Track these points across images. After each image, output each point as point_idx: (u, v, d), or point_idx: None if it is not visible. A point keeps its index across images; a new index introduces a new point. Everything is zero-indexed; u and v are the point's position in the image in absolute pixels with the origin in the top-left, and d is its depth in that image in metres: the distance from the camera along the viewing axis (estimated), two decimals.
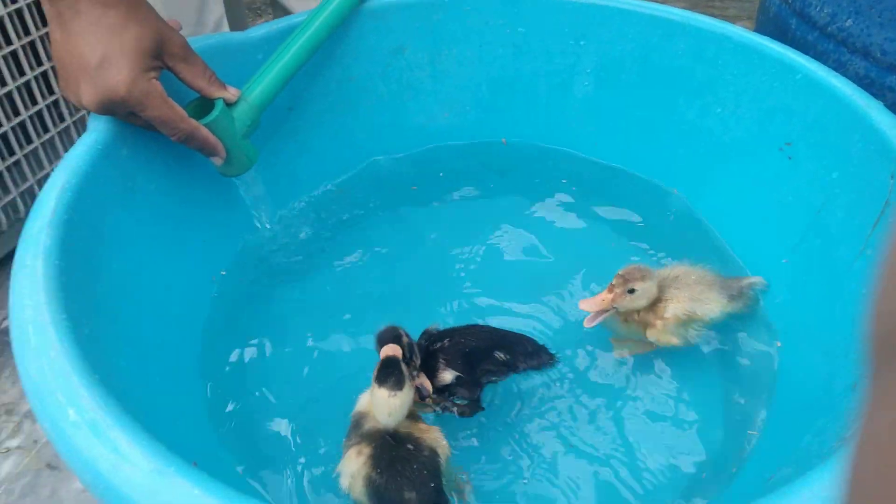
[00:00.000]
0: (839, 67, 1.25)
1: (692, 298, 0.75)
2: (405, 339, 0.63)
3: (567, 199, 1.01)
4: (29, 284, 0.51)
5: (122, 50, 0.64)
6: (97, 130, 0.68)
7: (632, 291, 0.73)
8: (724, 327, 0.80)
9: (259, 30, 0.89)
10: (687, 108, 0.96)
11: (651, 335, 0.75)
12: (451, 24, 1.00)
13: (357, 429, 0.62)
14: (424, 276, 0.90)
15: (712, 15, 1.90)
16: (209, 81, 0.74)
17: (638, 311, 0.75)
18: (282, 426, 0.72)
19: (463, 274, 0.90)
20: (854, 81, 1.22)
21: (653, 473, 0.67)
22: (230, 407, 0.73)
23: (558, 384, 0.76)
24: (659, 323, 0.74)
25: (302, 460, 0.69)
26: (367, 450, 0.59)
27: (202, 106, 0.76)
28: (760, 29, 1.55)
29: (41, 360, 0.45)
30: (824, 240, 0.77)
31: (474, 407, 0.71)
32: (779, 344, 0.77)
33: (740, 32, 0.87)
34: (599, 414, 0.73)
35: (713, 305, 0.75)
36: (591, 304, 0.73)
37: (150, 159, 0.74)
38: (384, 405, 0.58)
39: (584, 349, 0.79)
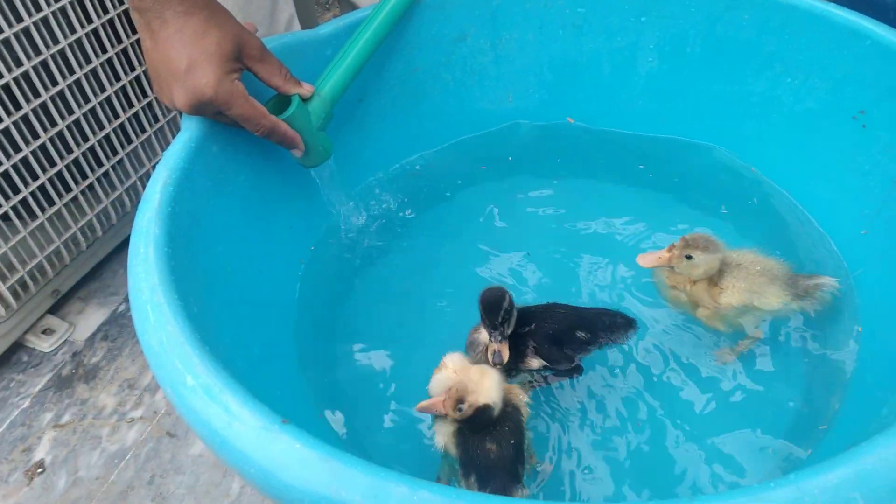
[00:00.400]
0: None
1: (751, 290, 0.73)
2: (507, 301, 0.67)
3: (636, 176, 1.02)
4: (144, 270, 0.57)
5: (205, 55, 0.69)
6: (190, 129, 0.75)
7: (689, 258, 0.73)
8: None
9: (327, 27, 0.94)
10: (756, 80, 0.94)
11: (700, 314, 0.75)
12: (510, 8, 1.02)
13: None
14: (496, 253, 0.93)
15: None
16: (285, 79, 0.79)
17: (692, 283, 0.75)
18: (370, 388, 0.78)
19: (536, 251, 0.93)
20: None
21: (734, 448, 0.69)
22: (322, 371, 0.80)
23: (640, 362, 0.78)
24: (711, 306, 0.74)
25: (389, 417, 0.74)
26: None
27: (280, 102, 0.81)
28: None
29: (160, 334, 0.51)
30: None
31: (573, 372, 0.74)
32: (859, 329, 0.76)
33: (806, 1, 0.85)
34: (672, 392, 0.75)
35: (772, 300, 0.73)
36: (648, 259, 0.75)
37: (237, 154, 0.80)
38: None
39: (666, 335, 0.80)
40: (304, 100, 0.81)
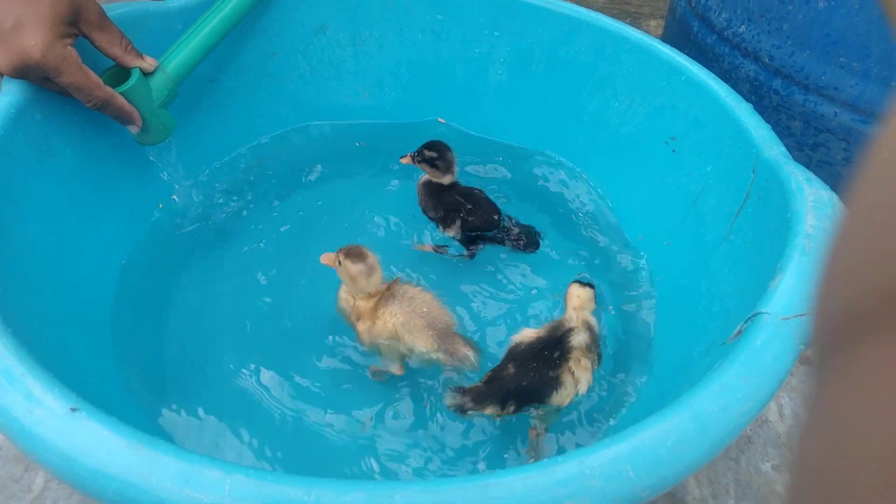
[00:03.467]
0: (733, 69, 1.37)
1: (405, 325, 0.72)
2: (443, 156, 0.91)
3: (469, 171, 1.07)
4: None
5: (36, 15, 0.64)
6: (10, 94, 0.69)
7: (339, 263, 0.74)
8: (616, 295, 0.89)
9: (178, 0, 0.90)
10: (589, 100, 1.03)
11: (359, 326, 0.75)
12: (371, 5, 1.04)
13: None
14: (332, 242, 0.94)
15: (628, 12, 2.01)
16: (125, 50, 0.75)
17: (364, 298, 0.75)
18: (186, 375, 0.76)
19: (370, 239, 0.94)
20: (745, 83, 1.35)
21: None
22: (136, 359, 0.76)
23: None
24: (367, 323, 0.74)
25: (204, 404, 0.73)
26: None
27: (118, 74, 0.77)
28: (668, 28, 1.67)
29: None
30: (698, 225, 0.86)
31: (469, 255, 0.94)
32: (654, 320, 0.87)
33: (636, 34, 0.95)
34: None
35: (419, 343, 0.73)
36: (324, 258, 0.76)
37: (64, 125, 0.75)
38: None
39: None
40: (146, 74, 0.78)
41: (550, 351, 0.71)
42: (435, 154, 0.91)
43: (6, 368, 0.44)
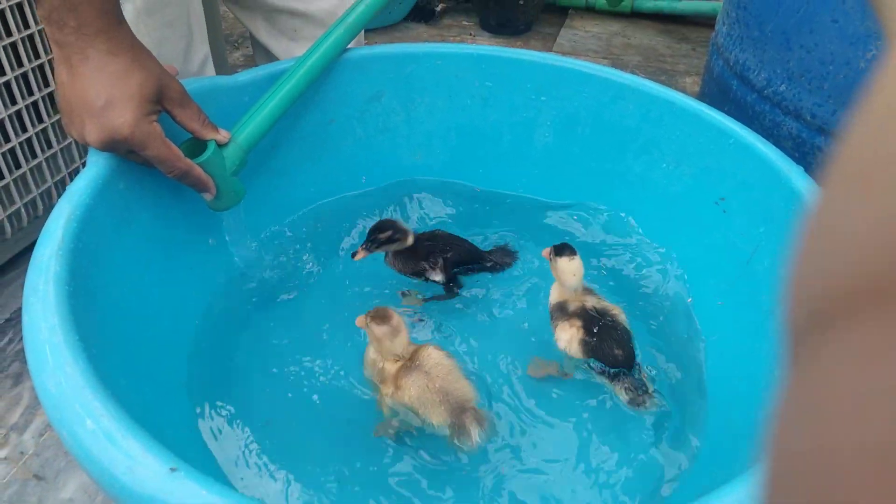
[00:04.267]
0: (774, 127, 1.39)
1: (420, 399, 0.74)
2: (386, 232, 0.92)
3: (530, 231, 1.10)
4: (42, 308, 0.56)
5: (126, 95, 0.70)
6: (97, 165, 0.74)
7: (367, 325, 0.76)
8: (665, 352, 0.89)
9: (246, 74, 0.97)
10: (635, 162, 1.06)
11: (383, 390, 0.77)
12: (423, 74, 1.09)
13: (562, 311, 0.84)
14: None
15: (663, 70, 2.06)
16: (203, 124, 0.80)
17: (391, 362, 0.77)
18: (262, 438, 0.78)
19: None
20: (787, 140, 1.37)
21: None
22: (215, 419, 0.78)
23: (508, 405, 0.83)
24: (390, 388, 0.76)
25: (280, 467, 0.75)
26: (577, 322, 0.82)
27: (194, 144, 0.82)
28: (705, 87, 1.70)
29: (58, 376, 0.50)
30: (752, 286, 0.87)
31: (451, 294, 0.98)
32: (706, 386, 0.86)
33: (683, 99, 0.98)
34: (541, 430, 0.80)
35: (434, 418, 0.74)
36: (359, 321, 0.78)
37: (144, 193, 0.80)
38: (567, 270, 0.84)
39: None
40: (220, 145, 0.83)
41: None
42: (389, 232, 0.92)
43: (107, 429, 0.47)
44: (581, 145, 1.10)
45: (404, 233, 0.93)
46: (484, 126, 1.13)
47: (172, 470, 0.44)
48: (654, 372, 0.87)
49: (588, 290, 0.88)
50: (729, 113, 0.98)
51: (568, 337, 0.82)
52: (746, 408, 0.74)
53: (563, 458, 0.77)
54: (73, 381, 0.50)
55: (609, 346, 0.81)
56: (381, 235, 0.91)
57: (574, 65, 1.06)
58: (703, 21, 2.35)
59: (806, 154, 1.33)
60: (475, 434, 0.72)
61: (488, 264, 1.00)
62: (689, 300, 0.97)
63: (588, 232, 1.11)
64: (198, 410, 0.78)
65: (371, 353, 0.79)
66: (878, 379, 0.12)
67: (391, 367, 0.77)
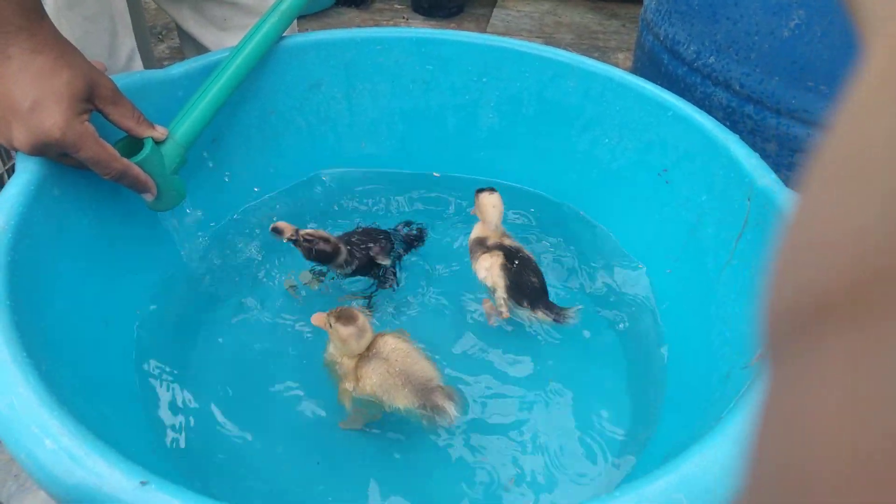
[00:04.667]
0: (706, 98, 1.44)
1: (382, 386, 0.73)
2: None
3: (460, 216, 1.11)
4: None
5: (54, 94, 0.66)
6: (28, 171, 0.70)
7: (330, 326, 0.74)
8: (624, 324, 0.92)
9: (179, 67, 0.93)
10: (579, 139, 1.08)
11: (344, 386, 0.76)
12: (363, 61, 1.07)
13: (482, 245, 0.89)
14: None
15: (596, 46, 2.10)
16: (137, 122, 0.77)
17: (349, 357, 0.76)
18: (225, 441, 0.76)
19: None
20: (719, 111, 1.41)
21: (569, 460, 0.77)
22: (170, 428, 0.76)
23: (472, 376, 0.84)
24: (352, 383, 0.75)
25: (252, 473, 0.73)
26: (497, 252, 0.87)
27: (130, 144, 0.78)
28: (637, 62, 1.74)
29: (9, 397, 0.47)
30: (699, 252, 0.90)
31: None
32: (664, 351, 0.89)
33: (621, 74, 1.00)
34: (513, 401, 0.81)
35: (399, 402, 0.73)
36: (315, 319, 0.77)
37: (80, 197, 0.76)
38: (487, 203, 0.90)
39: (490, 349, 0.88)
40: (158, 143, 0.79)
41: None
42: (326, 248, 0.88)
43: (68, 448, 0.45)
44: (526, 125, 1.10)
45: (334, 245, 0.89)
46: (428, 110, 1.13)
47: (143, 483, 0.43)
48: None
49: (505, 234, 0.93)
50: (662, 86, 1.01)
51: (488, 265, 0.87)
52: (702, 369, 0.77)
53: (528, 425, 0.79)
54: (26, 401, 0.47)
55: (526, 274, 0.87)
56: (319, 249, 0.87)
57: (514, 45, 1.06)
58: None
59: (737, 123, 1.39)
60: (451, 409, 0.71)
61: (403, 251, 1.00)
62: (642, 267, 0.99)
63: (538, 209, 1.12)
64: (154, 419, 0.75)
65: (330, 350, 0.78)
66: (858, 387, 0.12)
67: (349, 363, 0.76)
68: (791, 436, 0.14)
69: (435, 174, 1.18)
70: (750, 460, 0.15)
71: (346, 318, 0.74)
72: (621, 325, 0.93)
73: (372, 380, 0.74)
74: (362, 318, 0.75)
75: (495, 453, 0.76)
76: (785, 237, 0.16)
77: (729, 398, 0.59)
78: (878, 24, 0.21)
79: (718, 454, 0.48)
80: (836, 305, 0.13)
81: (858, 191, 0.14)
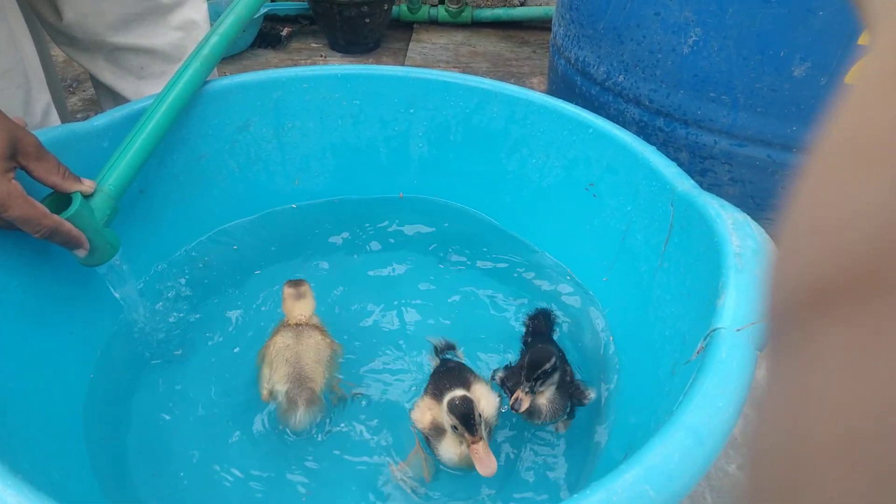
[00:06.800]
0: (619, 114, 1.52)
1: (277, 352, 0.82)
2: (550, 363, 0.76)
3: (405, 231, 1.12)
4: None
5: None
6: None
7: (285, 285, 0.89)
8: (573, 335, 0.95)
9: (102, 118, 0.91)
10: (508, 160, 1.12)
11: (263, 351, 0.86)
12: (291, 99, 1.08)
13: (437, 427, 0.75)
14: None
15: (510, 72, 2.17)
16: (64, 177, 0.75)
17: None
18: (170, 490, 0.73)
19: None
20: (632, 125, 1.49)
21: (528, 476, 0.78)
22: (123, 490, 0.73)
23: None
24: (267, 342, 0.86)
25: None
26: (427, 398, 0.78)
27: (58, 199, 0.76)
28: (552, 85, 1.82)
29: None
30: (631, 259, 0.95)
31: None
32: (615, 351, 0.93)
33: (541, 97, 1.05)
34: None
35: (276, 376, 0.80)
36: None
37: (7, 258, 0.73)
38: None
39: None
40: (86, 196, 0.77)
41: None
42: (553, 360, 0.76)
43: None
44: (455, 151, 1.14)
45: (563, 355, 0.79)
46: (358, 143, 1.14)
47: None
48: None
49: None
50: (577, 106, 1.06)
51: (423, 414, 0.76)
52: (649, 367, 0.81)
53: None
54: None
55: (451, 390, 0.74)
56: (548, 366, 0.75)
57: (439, 76, 1.09)
58: (539, 25, 2.52)
59: (649, 135, 1.47)
60: (301, 412, 0.76)
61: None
62: (576, 278, 1.04)
63: (475, 228, 1.15)
64: (105, 483, 0.72)
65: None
66: (863, 367, 0.12)
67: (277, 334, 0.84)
68: (792, 418, 0.14)
69: (401, 195, 1.20)
70: (752, 442, 0.16)
71: (292, 282, 0.88)
72: (566, 330, 0.96)
73: (277, 343, 0.82)
74: (305, 287, 0.87)
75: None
76: (788, 221, 0.16)
77: (677, 392, 0.62)
78: (882, 10, 0.22)
79: (677, 445, 0.51)
80: (839, 289, 0.13)
81: (864, 174, 0.14)
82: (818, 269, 0.14)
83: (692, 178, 0.89)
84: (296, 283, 0.88)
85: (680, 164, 1.36)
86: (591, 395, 0.81)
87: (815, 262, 0.14)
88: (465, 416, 0.68)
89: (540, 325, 0.90)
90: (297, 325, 0.85)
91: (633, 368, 0.86)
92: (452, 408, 0.69)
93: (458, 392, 0.71)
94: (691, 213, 0.81)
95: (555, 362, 0.76)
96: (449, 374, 0.79)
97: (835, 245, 0.14)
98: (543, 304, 0.96)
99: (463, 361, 0.86)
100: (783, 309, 0.15)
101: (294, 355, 0.80)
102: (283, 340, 0.82)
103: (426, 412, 0.75)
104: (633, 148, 0.94)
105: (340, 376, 0.87)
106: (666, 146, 1.45)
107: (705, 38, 1.27)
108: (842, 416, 0.13)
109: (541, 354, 0.76)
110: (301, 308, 0.86)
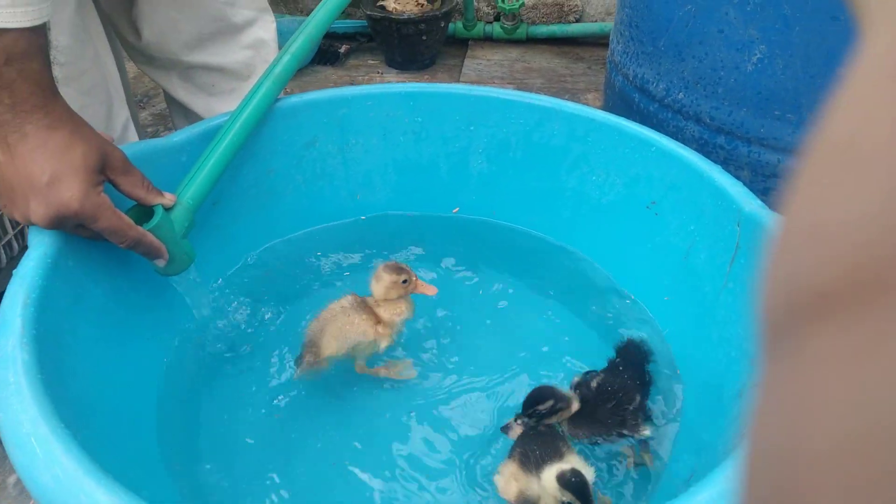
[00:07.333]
0: (678, 132, 1.51)
1: (335, 317, 0.87)
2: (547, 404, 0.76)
3: (466, 257, 1.14)
4: (18, 401, 0.53)
5: (71, 168, 0.68)
6: (43, 244, 0.71)
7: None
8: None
9: (180, 134, 0.95)
10: (568, 177, 1.12)
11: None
12: (355, 117, 1.11)
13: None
14: None
15: (565, 88, 2.17)
16: (148, 190, 0.79)
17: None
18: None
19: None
20: (692, 143, 1.48)
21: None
22: (194, 488, 0.75)
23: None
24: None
25: None
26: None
27: (141, 211, 0.80)
28: (608, 101, 1.81)
29: (54, 469, 0.48)
30: (694, 278, 0.93)
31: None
32: (678, 371, 0.92)
33: (603, 115, 1.05)
34: None
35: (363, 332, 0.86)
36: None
37: (93, 267, 0.77)
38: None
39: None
40: (167, 209, 0.81)
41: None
42: (550, 402, 0.77)
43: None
44: (515, 168, 1.15)
45: (567, 400, 0.78)
46: (419, 159, 1.16)
47: None
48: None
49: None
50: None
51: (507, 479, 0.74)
52: (715, 389, 0.79)
53: None
54: (70, 472, 0.48)
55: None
56: (541, 408, 0.76)
57: (498, 94, 1.11)
58: (594, 41, 2.51)
59: (710, 153, 1.45)
60: (300, 366, 0.84)
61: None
62: (636, 298, 1.03)
63: (532, 247, 1.15)
64: (182, 484, 0.75)
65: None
66: (859, 375, 0.12)
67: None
68: (787, 423, 0.14)
69: (455, 210, 1.21)
70: (747, 445, 0.15)
71: (386, 264, 0.88)
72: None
73: (331, 307, 0.88)
74: (381, 270, 0.87)
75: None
76: (783, 225, 0.15)
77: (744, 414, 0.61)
78: (877, 11, 0.21)
79: None
80: (838, 293, 0.13)
81: (860, 177, 0.13)
82: (817, 273, 0.14)
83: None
84: (387, 264, 0.88)
85: (742, 183, 1.34)
86: (645, 432, 0.79)
87: (813, 265, 0.14)
88: (584, 494, 0.65)
89: (632, 357, 0.87)
90: (363, 303, 0.88)
91: (696, 388, 0.85)
92: (567, 484, 0.66)
93: (565, 466, 0.68)
94: (759, 233, 0.79)
95: (552, 406, 0.76)
96: (540, 440, 0.73)
97: (834, 249, 0.13)
98: (635, 335, 0.93)
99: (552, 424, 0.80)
100: (779, 312, 0.15)
101: (322, 322, 0.86)
102: (337, 306, 0.88)
103: (512, 482, 0.71)
104: (698, 166, 0.93)
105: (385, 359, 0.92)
106: (727, 164, 1.43)
107: (770, 56, 1.24)
108: (839, 421, 0.12)
109: (541, 394, 0.77)
110: (380, 289, 0.87)
